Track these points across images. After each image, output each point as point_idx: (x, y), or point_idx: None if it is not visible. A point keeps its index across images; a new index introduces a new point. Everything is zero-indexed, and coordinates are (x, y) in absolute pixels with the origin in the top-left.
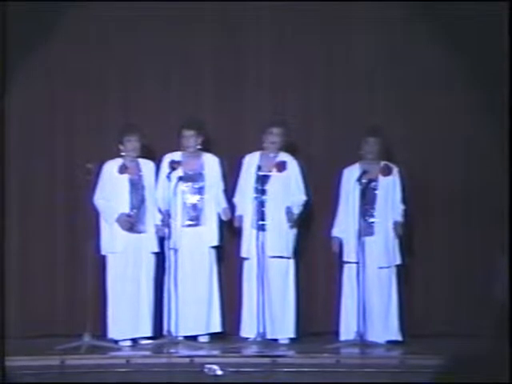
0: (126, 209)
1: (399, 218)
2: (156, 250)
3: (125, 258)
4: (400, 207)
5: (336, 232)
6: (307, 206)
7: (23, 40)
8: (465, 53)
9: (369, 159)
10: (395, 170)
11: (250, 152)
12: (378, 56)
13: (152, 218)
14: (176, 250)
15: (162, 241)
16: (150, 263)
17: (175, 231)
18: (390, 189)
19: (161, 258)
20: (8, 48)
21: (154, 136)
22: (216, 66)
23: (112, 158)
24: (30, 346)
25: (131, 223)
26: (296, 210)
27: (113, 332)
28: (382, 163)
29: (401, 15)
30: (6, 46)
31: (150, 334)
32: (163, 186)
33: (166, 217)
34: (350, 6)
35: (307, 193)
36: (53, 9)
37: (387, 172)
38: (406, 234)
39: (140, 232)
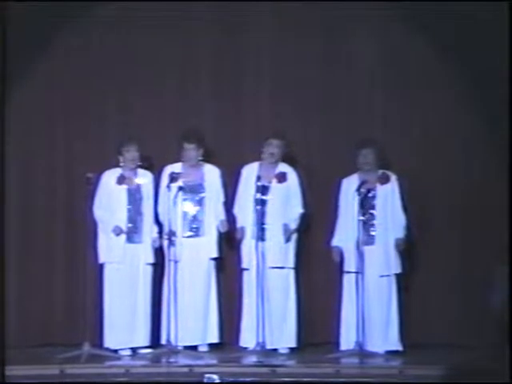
0: (124, 219)
1: (401, 235)
2: (151, 261)
3: (122, 268)
4: (402, 221)
5: (336, 241)
6: (304, 218)
7: (23, 47)
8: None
9: (366, 169)
10: (393, 177)
11: (249, 162)
12: (378, 61)
13: (149, 229)
14: (176, 261)
15: (159, 251)
16: (146, 273)
17: (176, 243)
18: (388, 197)
19: (158, 268)
20: (8, 54)
21: (152, 146)
22: (215, 74)
23: (111, 167)
24: (30, 355)
25: (125, 234)
26: (293, 226)
27: (109, 341)
28: (380, 172)
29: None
30: (6, 51)
31: (146, 344)
32: (164, 197)
33: (166, 229)
34: (351, 6)
35: (305, 205)
36: (53, 14)
37: (385, 180)
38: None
39: (137, 242)
